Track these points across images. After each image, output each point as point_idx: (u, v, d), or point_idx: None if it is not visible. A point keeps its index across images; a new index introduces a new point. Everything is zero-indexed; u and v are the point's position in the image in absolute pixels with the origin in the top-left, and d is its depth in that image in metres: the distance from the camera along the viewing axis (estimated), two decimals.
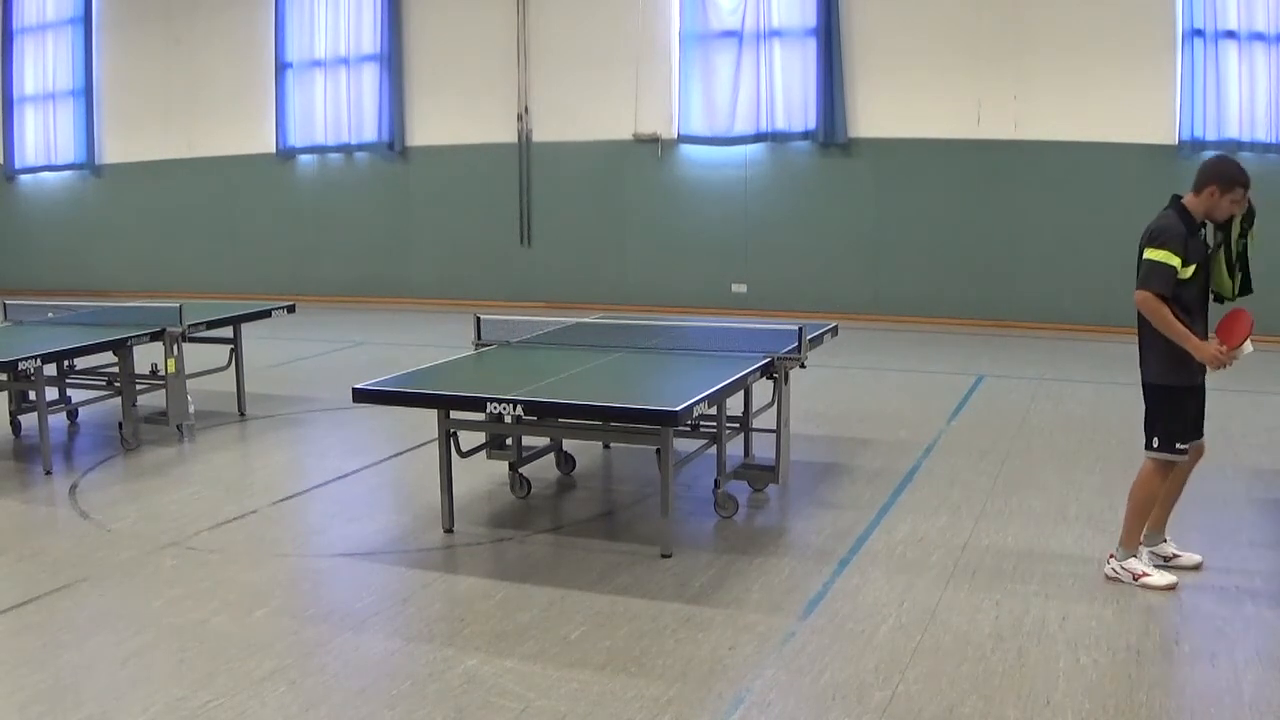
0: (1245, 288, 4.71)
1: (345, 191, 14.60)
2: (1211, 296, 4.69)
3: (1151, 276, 4.45)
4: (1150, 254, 4.46)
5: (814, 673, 3.93)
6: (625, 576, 4.85)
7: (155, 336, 7.20)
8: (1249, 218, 4.59)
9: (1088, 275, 11.49)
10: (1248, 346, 4.50)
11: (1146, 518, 4.70)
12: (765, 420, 6.16)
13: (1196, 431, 4.70)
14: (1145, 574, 4.60)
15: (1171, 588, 4.56)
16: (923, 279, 12.21)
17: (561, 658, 4.06)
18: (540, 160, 13.61)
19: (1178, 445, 4.58)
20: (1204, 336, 4.54)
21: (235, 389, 8.07)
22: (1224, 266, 4.64)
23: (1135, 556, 4.66)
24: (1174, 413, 4.58)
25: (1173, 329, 4.44)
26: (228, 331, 7.97)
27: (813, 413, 7.70)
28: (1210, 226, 4.62)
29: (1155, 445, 4.60)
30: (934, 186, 12.08)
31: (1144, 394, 4.66)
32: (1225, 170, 4.47)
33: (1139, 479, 4.67)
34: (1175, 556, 4.79)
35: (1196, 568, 4.75)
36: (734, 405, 6.06)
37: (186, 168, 15.15)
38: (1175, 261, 4.42)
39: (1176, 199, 4.58)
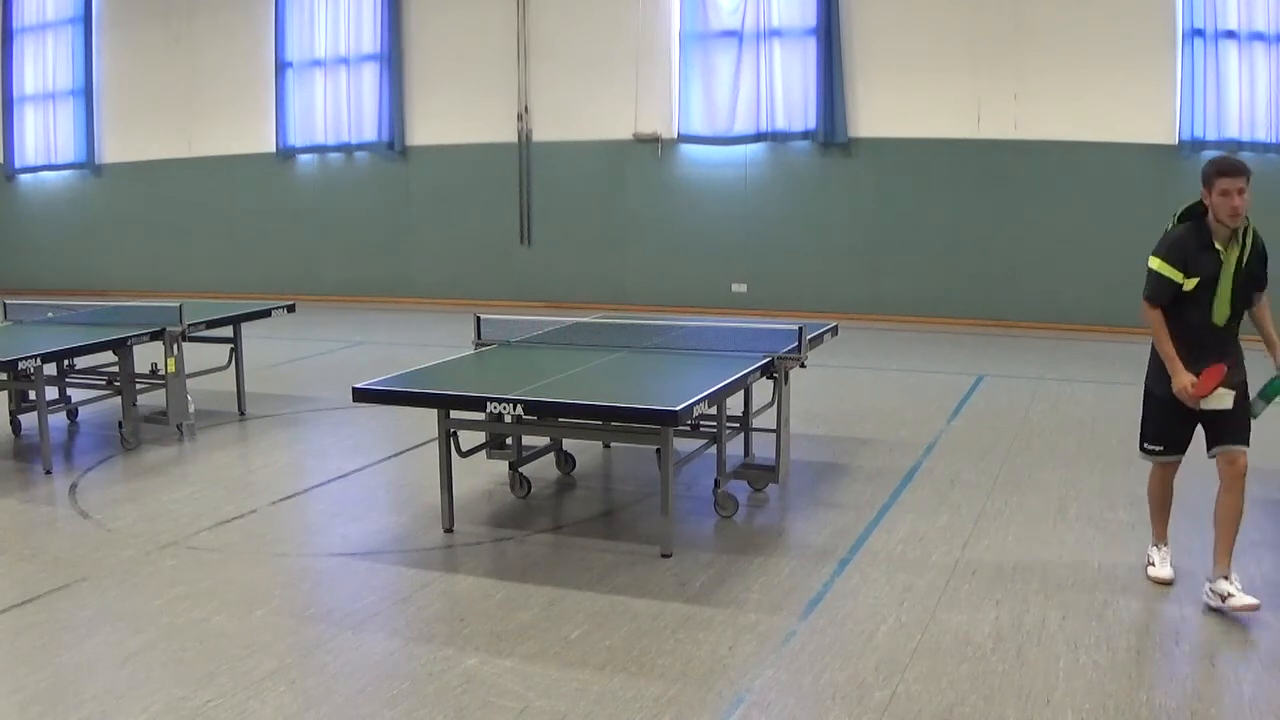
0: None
1: (345, 191, 14.60)
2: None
3: (1147, 284, 4.47)
4: (1150, 261, 4.47)
5: (814, 673, 3.93)
6: (625, 576, 4.85)
7: (155, 336, 7.20)
8: (1259, 259, 4.44)
9: (1088, 275, 11.50)
10: (1221, 396, 4.40)
11: (1155, 514, 4.79)
12: (765, 420, 6.16)
13: (1177, 443, 4.63)
14: (1152, 564, 4.74)
15: (1166, 583, 4.65)
16: (923, 279, 12.21)
17: (561, 658, 4.06)
18: (540, 160, 13.61)
19: (1145, 445, 4.70)
20: (1209, 358, 4.40)
21: (235, 389, 8.08)
22: (1224, 289, 4.42)
23: (1154, 547, 4.80)
24: (1149, 415, 4.66)
25: (1161, 346, 4.47)
26: (228, 331, 7.97)
27: (813, 413, 7.70)
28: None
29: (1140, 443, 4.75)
30: (934, 186, 12.08)
31: None
32: (1205, 169, 4.36)
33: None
34: (1230, 596, 4.34)
35: (1252, 609, 4.30)
36: (734, 405, 6.06)
37: (186, 168, 15.16)
38: (1169, 272, 4.40)
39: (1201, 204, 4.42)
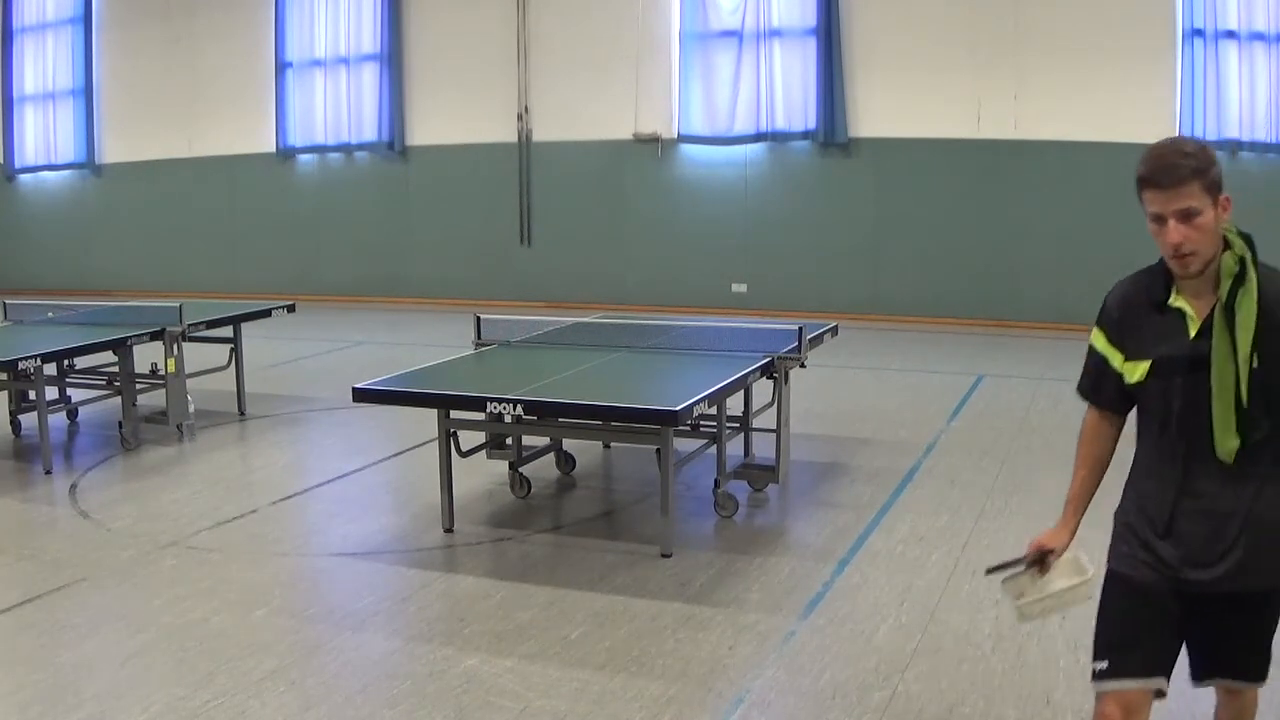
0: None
1: (345, 191, 14.60)
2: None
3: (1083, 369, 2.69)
4: None
5: (814, 673, 3.93)
6: (625, 576, 4.85)
7: (155, 336, 7.20)
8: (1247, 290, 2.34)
9: (1088, 275, 11.45)
10: (1056, 580, 2.74)
11: None
12: (765, 420, 6.16)
13: (1132, 659, 2.53)
14: None
15: None
16: (923, 279, 12.21)
17: (561, 658, 4.07)
18: (540, 160, 13.61)
19: (1094, 665, 2.58)
20: (1206, 524, 2.47)
21: (235, 389, 8.07)
22: (1222, 388, 2.36)
23: None
24: (1103, 602, 2.64)
25: (1074, 470, 2.80)
26: (228, 331, 7.97)
27: (813, 413, 7.69)
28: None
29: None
30: (934, 186, 12.08)
31: None
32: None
33: None
34: None
35: None
36: (734, 405, 6.06)
37: (186, 168, 15.16)
38: (1100, 345, 2.59)
39: None
